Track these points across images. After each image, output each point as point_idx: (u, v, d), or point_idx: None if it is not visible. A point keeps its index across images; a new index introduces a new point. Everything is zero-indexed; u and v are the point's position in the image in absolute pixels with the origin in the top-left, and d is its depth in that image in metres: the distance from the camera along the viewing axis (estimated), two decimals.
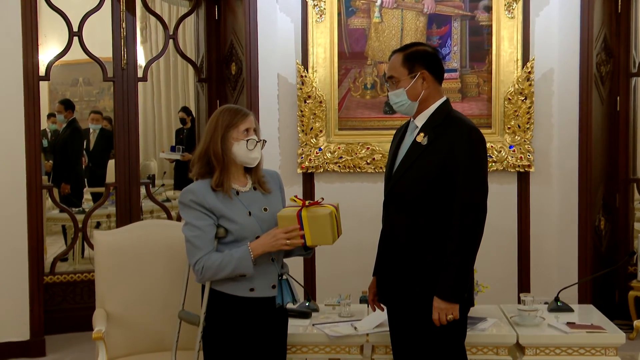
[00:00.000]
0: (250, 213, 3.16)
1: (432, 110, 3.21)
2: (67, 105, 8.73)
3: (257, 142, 3.18)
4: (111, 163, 7.40)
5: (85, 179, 9.11)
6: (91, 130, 9.19)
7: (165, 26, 6.36)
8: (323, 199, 3.17)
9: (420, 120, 3.22)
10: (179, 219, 6.22)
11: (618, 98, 5.81)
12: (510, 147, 5.50)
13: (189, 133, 9.59)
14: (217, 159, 3.13)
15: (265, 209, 3.21)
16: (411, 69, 3.20)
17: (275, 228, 3.12)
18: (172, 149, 9.47)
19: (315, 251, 5.55)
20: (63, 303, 5.94)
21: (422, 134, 3.17)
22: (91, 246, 5.73)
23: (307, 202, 3.12)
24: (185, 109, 10.09)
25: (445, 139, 3.12)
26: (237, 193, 3.18)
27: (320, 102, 5.57)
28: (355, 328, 3.72)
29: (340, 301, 4.05)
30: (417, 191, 3.13)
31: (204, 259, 3.08)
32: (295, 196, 3.23)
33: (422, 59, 3.21)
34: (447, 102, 3.25)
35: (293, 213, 3.09)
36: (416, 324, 3.17)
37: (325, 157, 5.59)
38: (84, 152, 9.11)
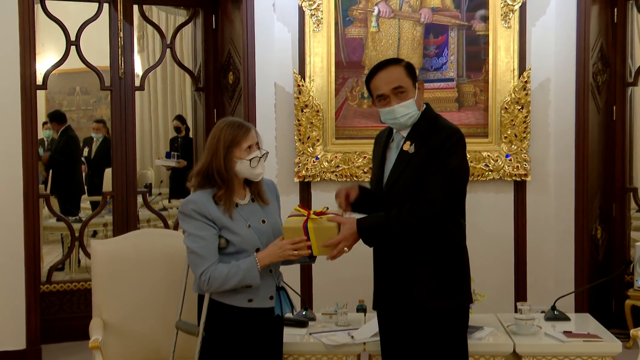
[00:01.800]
0: (249, 225, 3.17)
1: (416, 119, 3.23)
2: (52, 117, 8.76)
3: (260, 158, 3.18)
4: (108, 172, 7.41)
5: (86, 188, 9.12)
6: (94, 139, 9.21)
7: (162, 35, 6.37)
8: (328, 208, 3.18)
9: (405, 130, 3.24)
10: (176, 227, 6.22)
11: (614, 107, 5.83)
12: (507, 156, 5.51)
13: (183, 141, 9.58)
14: (222, 177, 3.13)
15: (263, 221, 3.23)
16: (414, 80, 3.22)
17: (280, 238, 3.14)
18: (167, 156, 9.46)
19: None
20: (60, 312, 5.94)
21: (408, 143, 3.19)
22: (88, 255, 5.72)
23: (312, 212, 3.12)
24: (180, 118, 10.08)
25: (430, 144, 3.13)
26: (237, 205, 3.19)
27: (317, 111, 5.58)
28: (352, 337, 3.71)
29: (337, 310, 4.04)
30: (407, 199, 3.14)
31: (210, 270, 3.07)
32: (300, 205, 3.23)
33: (414, 70, 3.26)
34: (428, 106, 3.28)
35: (299, 225, 3.09)
36: (410, 332, 3.19)
37: (322, 166, 5.60)
38: (84, 160, 9.12)
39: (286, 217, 3.21)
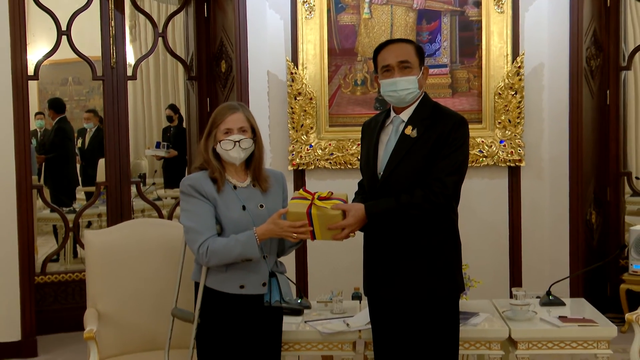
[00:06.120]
0: (244, 207, 3.17)
1: (416, 104, 3.26)
2: (51, 105, 8.72)
3: (236, 142, 3.19)
4: (102, 162, 7.38)
5: (80, 178, 9.09)
6: (87, 130, 9.18)
7: (154, 24, 6.34)
8: (332, 193, 3.16)
9: (405, 115, 3.25)
10: (170, 217, 6.21)
11: (608, 92, 5.83)
12: (501, 141, 5.50)
13: (176, 130, 9.54)
14: (202, 156, 3.22)
15: (261, 206, 3.23)
16: (421, 61, 3.29)
17: (277, 215, 3.10)
18: (157, 146, 9.42)
19: (307, 249, 5.59)
20: (54, 303, 5.93)
21: (410, 127, 3.20)
22: (82, 246, 5.71)
23: (316, 196, 3.11)
24: (173, 107, 10.03)
25: (435, 130, 3.16)
26: (235, 187, 3.21)
27: (311, 98, 5.56)
28: (348, 324, 3.72)
29: (333, 298, 4.05)
30: (410, 183, 3.14)
31: (208, 242, 3.08)
32: (303, 188, 3.22)
33: (423, 54, 3.34)
34: (426, 95, 3.33)
35: (303, 210, 3.08)
36: (402, 318, 3.19)
37: (316, 153, 5.58)
38: (78, 151, 9.08)
39: (289, 199, 3.20)
